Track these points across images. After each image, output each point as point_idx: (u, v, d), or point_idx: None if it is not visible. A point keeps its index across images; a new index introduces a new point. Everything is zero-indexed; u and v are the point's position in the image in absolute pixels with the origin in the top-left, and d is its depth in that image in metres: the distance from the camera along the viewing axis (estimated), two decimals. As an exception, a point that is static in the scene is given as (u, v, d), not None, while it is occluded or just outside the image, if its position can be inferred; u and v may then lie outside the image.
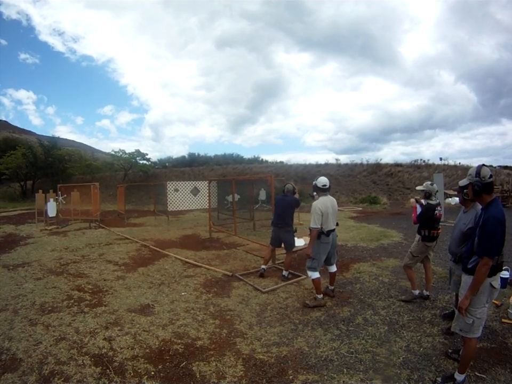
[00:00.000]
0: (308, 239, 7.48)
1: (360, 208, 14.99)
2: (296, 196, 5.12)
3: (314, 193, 4.36)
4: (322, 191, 3.96)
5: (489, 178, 2.28)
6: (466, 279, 2.36)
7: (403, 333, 3.13)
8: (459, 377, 2.35)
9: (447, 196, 14.61)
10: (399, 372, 2.52)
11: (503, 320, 3.28)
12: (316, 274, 3.85)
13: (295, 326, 3.32)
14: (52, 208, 11.24)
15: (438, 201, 3.92)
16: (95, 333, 3.25)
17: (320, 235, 3.81)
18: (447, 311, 3.51)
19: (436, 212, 3.80)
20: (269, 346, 2.95)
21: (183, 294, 4.30)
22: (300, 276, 4.85)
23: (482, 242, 2.21)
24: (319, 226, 3.76)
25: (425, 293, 4.00)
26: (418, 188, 4.06)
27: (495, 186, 14.26)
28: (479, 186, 2.28)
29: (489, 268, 2.18)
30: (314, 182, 4.09)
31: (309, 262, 3.89)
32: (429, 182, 4.00)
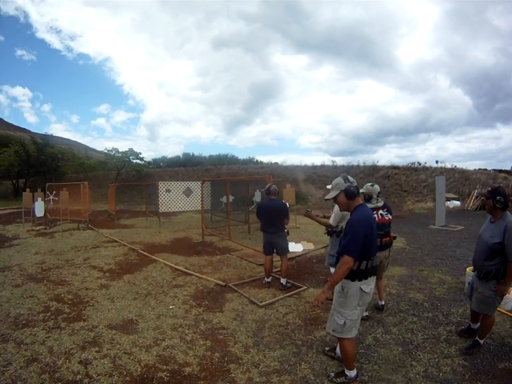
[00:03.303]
0: (306, 244, 7.21)
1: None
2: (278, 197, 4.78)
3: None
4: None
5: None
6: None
7: (419, 354, 2.77)
8: (349, 373, 2.41)
9: (447, 199, 14.41)
10: (420, 407, 2.17)
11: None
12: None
13: (297, 349, 2.92)
14: (39, 208, 10.77)
15: (382, 203, 3.50)
16: (70, 353, 2.85)
17: (339, 234, 3.66)
18: (463, 327, 3.18)
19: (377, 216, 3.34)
20: (268, 375, 2.55)
21: (170, 307, 3.88)
22: (300, 287, 4.45)
23: (343, 241, 2.28)
24: (335, 225, 3.62)
25: (380, 303, 3.74)
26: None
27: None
28: (351, 189, 2.33)
29: (349, 267, 2.18)
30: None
31: (329, 258, 3.82)
32: (369, 184, 3.56)
